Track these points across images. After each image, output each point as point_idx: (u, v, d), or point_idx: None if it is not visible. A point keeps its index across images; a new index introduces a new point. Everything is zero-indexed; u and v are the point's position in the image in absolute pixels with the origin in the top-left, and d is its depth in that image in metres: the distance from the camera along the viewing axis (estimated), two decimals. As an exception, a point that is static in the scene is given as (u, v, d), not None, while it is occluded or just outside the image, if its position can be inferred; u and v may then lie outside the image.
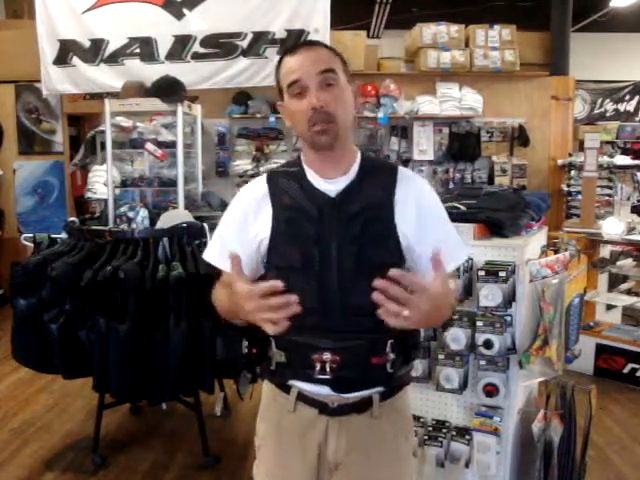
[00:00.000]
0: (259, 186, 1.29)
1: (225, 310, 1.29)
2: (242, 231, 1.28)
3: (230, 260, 1.13)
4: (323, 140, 1.20)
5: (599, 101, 8.64)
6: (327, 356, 1.20)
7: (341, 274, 1.20)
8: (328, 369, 1.20)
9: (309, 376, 1.23)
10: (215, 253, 1.33)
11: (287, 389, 1.29)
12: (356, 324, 1.21)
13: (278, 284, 1.08)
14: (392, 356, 1.23)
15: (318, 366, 1.20)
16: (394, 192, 1.24)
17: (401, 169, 1.30)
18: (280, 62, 1.25)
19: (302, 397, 1.28)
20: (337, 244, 1.20)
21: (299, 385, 1.28)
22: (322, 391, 1.25)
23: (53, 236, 2.93)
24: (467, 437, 2.04)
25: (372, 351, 1.22)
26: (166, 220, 2.80)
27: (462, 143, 5.63)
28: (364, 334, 1.21)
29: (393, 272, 1.03)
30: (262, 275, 1.29)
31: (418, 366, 2.08)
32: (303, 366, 1.22)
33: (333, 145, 1.21)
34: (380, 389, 1.28)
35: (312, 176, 1.26)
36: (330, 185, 1.24)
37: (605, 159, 5.44)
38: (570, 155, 5.81)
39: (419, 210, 1.25)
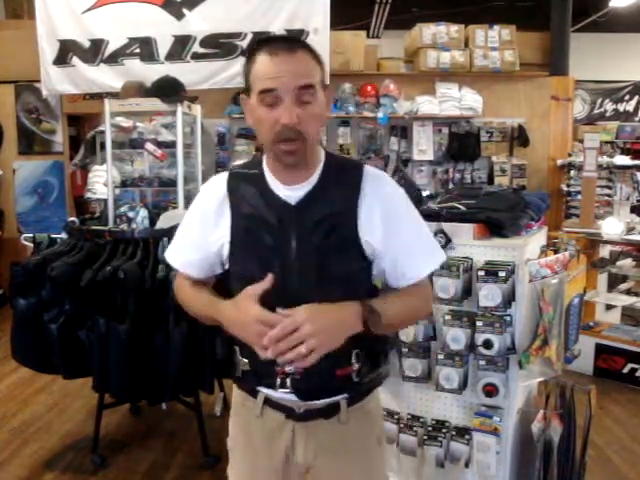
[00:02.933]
0: (219, 188, 1.23)
1: (200, 315, 1.27)
2: (201, 233, 1.25)
3: (264, 281, 1.10)
4: (289, 160, 1.13)
5: (599, 101, 8.66)
6: (290, 368, 1.14)
7: (302, 285, 1.14)
8: (289, 383, 1.17)
9: (273, 385, 1.20)
10: (175, 254, 1.33)
11: (254, 394, 1.27)
12: None
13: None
14: (357, 366, 1.19)
15: (279, 380, 1.17)
16: (358, 196, 1.17)
17: (367, 168, 1.22)
18: (254, 53, 1.12)
19: (269, 402, 1.26)
20: (297, 255, 1.15)
21: (265, 391, 1.25)
22: (288, 397, 1.22)
23: (53, 236, 2.92)
24: (467, 437, 2.04)
25: (336, 364, 1.17)
26: (166, 220, 2.80)
27: (462, 143, 5.63)
28: None
29: (265, 340, 1.04)
30: (224, 279, 1.27)
31: (418, 366, 2.08)
32: (266, 376, 1.20)
33: (299, 164, 1.15)
34: (347, 395, 1.24)
35: (272, 181, 1.19)
36: (290, 192, 1.17)
37: (605, 159, 5.45)
38: (569, 155, 5.81)
39: (385, 212, 1.18)
